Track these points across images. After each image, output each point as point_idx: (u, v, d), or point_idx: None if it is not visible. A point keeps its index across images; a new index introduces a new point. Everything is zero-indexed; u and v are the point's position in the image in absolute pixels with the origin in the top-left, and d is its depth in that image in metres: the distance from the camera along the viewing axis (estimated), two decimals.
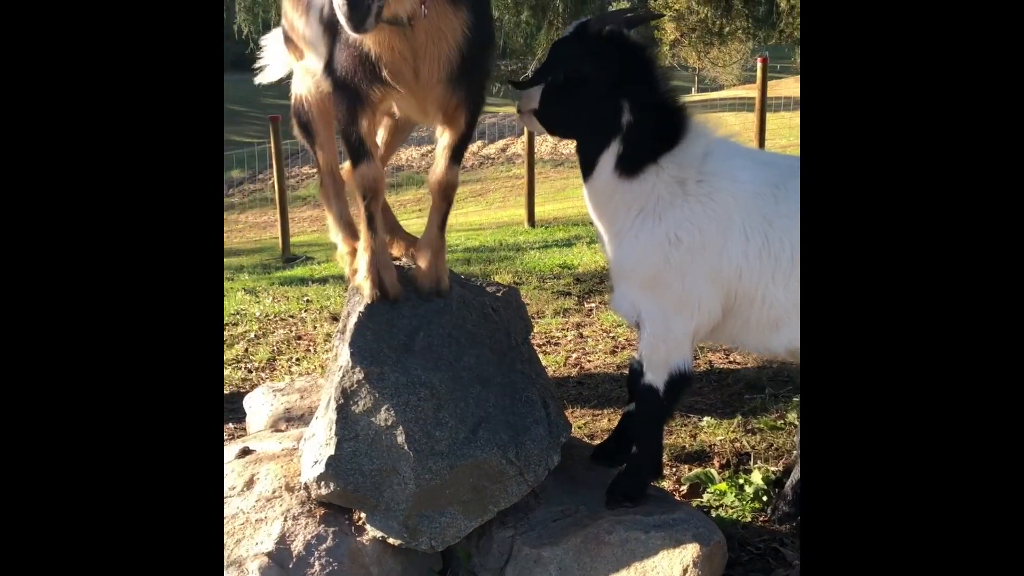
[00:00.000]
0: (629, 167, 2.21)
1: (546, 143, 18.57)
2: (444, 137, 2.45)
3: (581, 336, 4.45)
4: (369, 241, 2.45)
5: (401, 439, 2.24)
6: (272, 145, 9.12)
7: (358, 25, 2.00)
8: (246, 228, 14.76)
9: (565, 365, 4.04)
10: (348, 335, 2.35)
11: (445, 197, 2.48)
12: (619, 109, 2.19)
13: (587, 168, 2.29)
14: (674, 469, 2.89)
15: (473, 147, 18.77)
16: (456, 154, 2.44)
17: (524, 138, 9.37)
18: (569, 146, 18.28)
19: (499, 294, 2.65)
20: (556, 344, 4.37)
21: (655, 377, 2.28)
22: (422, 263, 2.50)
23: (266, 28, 8.98)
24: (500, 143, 19.97)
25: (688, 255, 2.18)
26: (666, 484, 2.76)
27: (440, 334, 2.40)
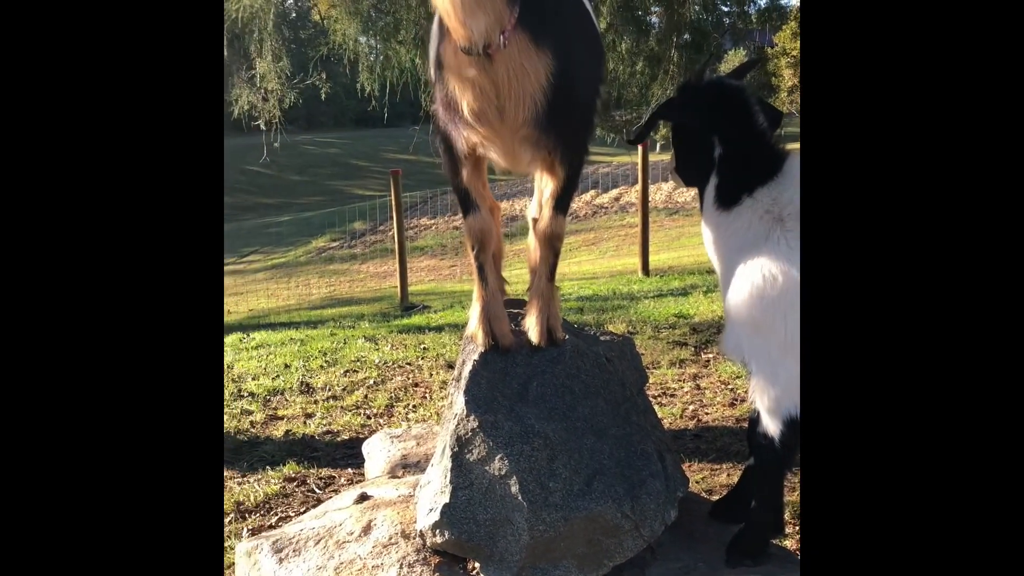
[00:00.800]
0: (725, 199, 2.26)
1: (660, 192, 18.46)
2: (547, 187, 2.42)
3: (698, 388, 4.35)
4: (480, 291, 2.47)
5: (515, 489, 2.23)
6: (392, 198, 9.42)
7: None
8: (367, 278, 15.25)
9: (682, 417, 3.95)
10: (463, 383, 2.38)
11: (551, 247, 2.45)
12: (711, 145, 2.28)
13: (700, 207, 2.37)
14: (797, 526, 2.76)
15: (586, 196, 18.85)
16: (559, 203, 2.40)
17: (638, 186, 9.34)
18: (684, 195, 18.11)
19: (613, 344, 2.63)
20: (672, 396, 4.28)
21: (769, 425, 2.20)
22: (532, 314, 2.49)
23: (385, 87, 9.36)
24: (613, 192, 19.98)
25: (785, 295, 2.10)
26: (788, 543, 2.63)
27: (554, 384, 2.39)
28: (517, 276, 6.54)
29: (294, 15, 9.37)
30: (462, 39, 2.15)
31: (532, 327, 2.48)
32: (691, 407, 4.07)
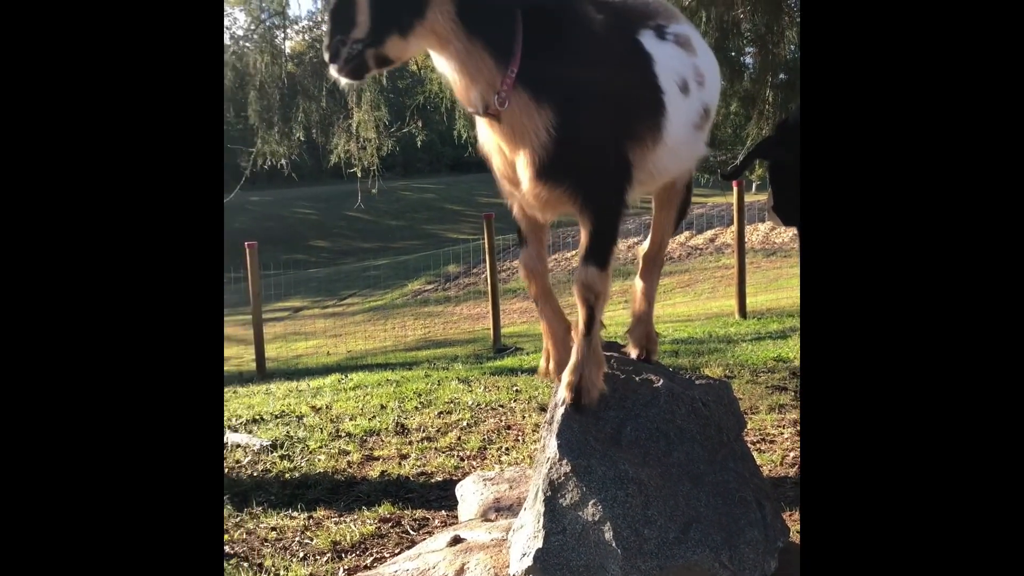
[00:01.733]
0: None
1: (757, 232, 18.10)
2: (582, 238, 2.36)
3: (799, 434, 4.20)
4: (544, 328, 2.46)
5: (609, 535, 2.19)
6: (486, 241, 9.55)
7: (339, 70, 2.03)
8: (460, 320, 15.44)
9: (782, 464, 3.82)
10: (555, 426, 2.37)
11: (583, 300, 2.35)
12: None
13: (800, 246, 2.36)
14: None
15: (680, 237, 18.67)
16: (590, 255, 2.31)
17: (734, 227, 9.19)
18: (782, 235, 17.70)
19: (710, 388, 2.58)
20: (771, 442, 4.14)
21: None
22: (567, 368, 2.41)
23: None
24: (708, 233, 19.72)
25: None
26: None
27: (648, 428, 2.36)
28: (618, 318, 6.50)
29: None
30: (464, 104, 2.21)
31: (563, 382, 2.41)
32: (791, 454, 3.93)
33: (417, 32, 2.07)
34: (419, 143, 11.39)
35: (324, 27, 2.03)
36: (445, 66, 2.20)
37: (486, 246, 9.65)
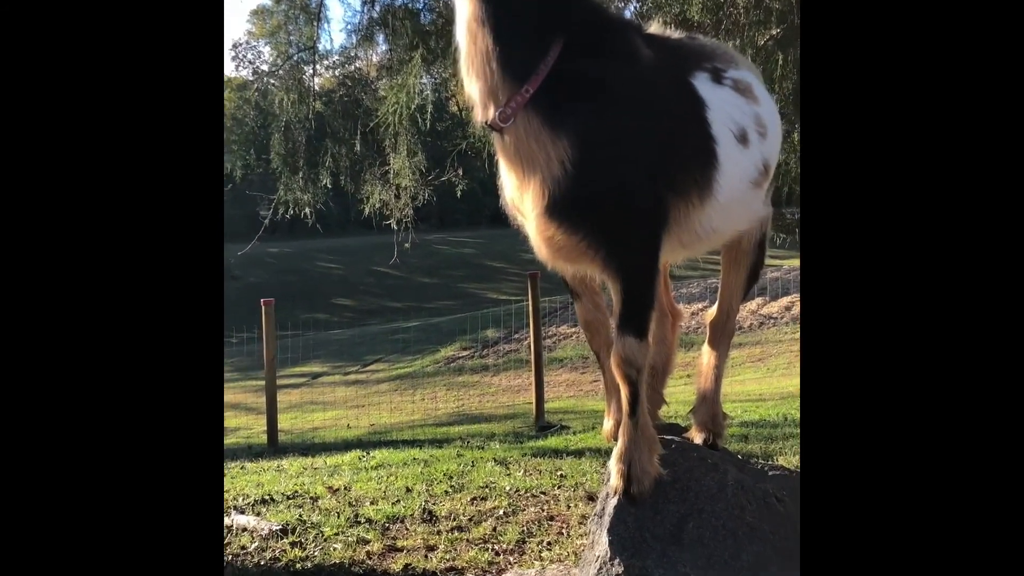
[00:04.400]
0: None
1: None
2: (614, 301, 2.34)
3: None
4: (607, 385, 2.49)
5: None
6: (530, 303, 9.59)
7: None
8: (499, 392, 15.42)
9: None
10: (607, 520, 2.34)
11: (623, 376, 2.34)
12: None
13: None
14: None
15: (751, 304, 18.53)
16: (626, 322, 2.30)
17: None
18: None
19: (785, 479, 2.54)
20: None
21: None
22: (615, 454, 2.41)
23: None
24: (784, 300, 19.54)
25: None
26: None
27: (713, 525, 2.32)
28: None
29: (431, 107, 9.89)
30: (466, 97, 2.28)
31: (611, 470, 2.41)
32: None
33: None
34: (459, 192, 11.53)
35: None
36: (457, 32, 2.26)
37: (530, 309, 9.69)
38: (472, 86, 2.23)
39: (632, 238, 2.28)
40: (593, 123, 2.22)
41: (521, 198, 2.31)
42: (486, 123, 2.25)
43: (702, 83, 2.47)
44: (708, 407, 2.71)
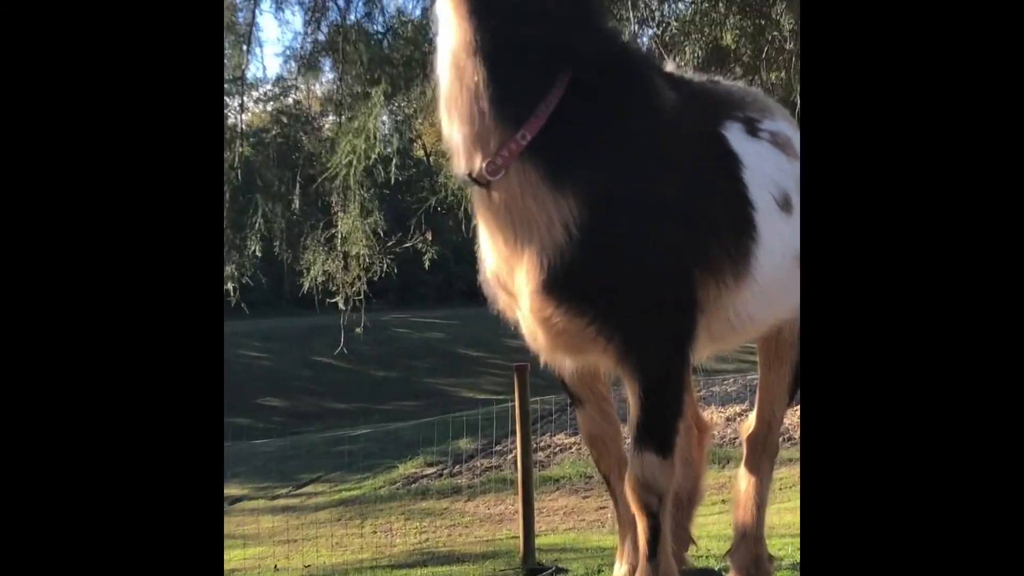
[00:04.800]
0: None
1: None
2: (630, 407, 2.35)
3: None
4: (619, 520, 2.51)
5: None
6: (516, 403, 9.51)
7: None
8: (475, 522, 15.26)
9: None
10: None
11: (640, 505, 2.33)
12: None
13: None
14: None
15: (792, 413, 18.55)
16: (645, 435, 2.31)
17: None
18: None
19: None
20: None
21: None
22: None
23: None
24: None
25: None
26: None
27: None
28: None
29: (389, 151, 9.79)
30: (445, 143, 2.32)
31: None
32: None
33: None
34: (427, 262, 11.27)
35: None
36: (440, 64, 2.27)
37: (516, 412, 9.62)
38: (454, 130, 2.26)
39: (656, 323, 2.28)
40: (606, 178, 2.24)
41: (510, 270, 2.32)
42: (469, 175, 2.28)
43: (735, 136, 2.49)
44: (749, 547, 2.67)
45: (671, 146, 2.38)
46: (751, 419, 2.81)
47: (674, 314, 2.32)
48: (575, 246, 2.19)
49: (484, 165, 2.21)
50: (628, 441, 2.39)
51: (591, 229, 2.19)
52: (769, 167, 2.49)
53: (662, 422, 2.29)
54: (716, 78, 3.07)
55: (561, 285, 2.23)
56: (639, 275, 2.26)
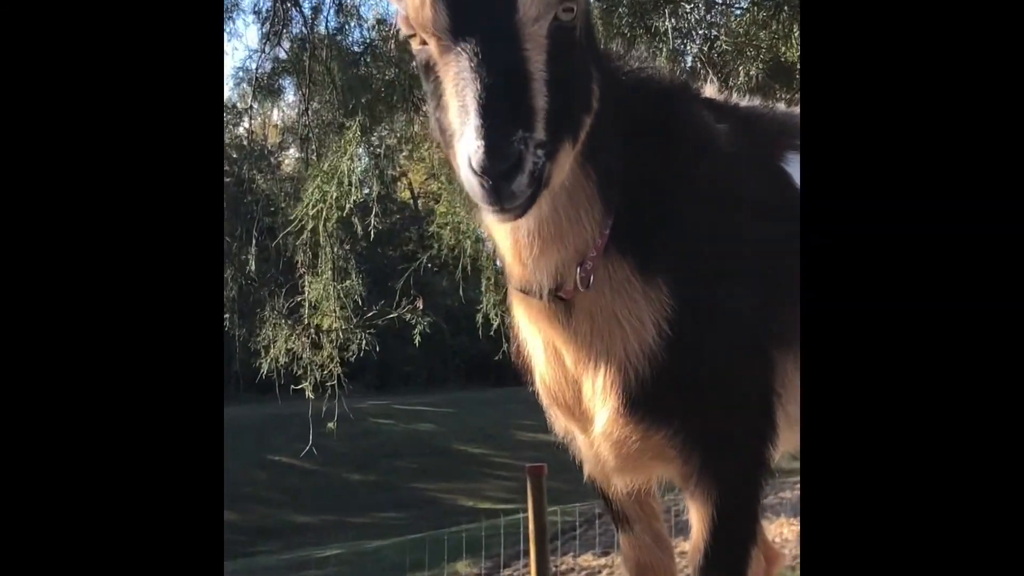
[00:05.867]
0: None
1: None
2: (692, 526, 2.36)
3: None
4: None
5: None
6: (530, 515, 9.50)
7: (515, 197, 1.94)
8: None
9: None
10: None
11: None
12: None
13: None
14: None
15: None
16: (714, 560, 2.30)
17: None
18: None
19: None
20: None
21: None
22: None
23: None
24: None
25: None
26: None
27: None
28: None
29: (368, 196, 9.52)
30: (518, 280, 2.26)
31: None
32: None
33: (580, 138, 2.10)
34: (416, 338, 10.90)
35: (485, 122, 1.93)
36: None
37: (531, 525, 9.60)
38: (546, 263, 2.19)
39: (738, 422, 2.31)
40: (689, 254, 2.25)
41: (576, 387, 2.31)
42: (551, 293, 2.22)
43: (797, 169, 2.52)
44: None
45: (738, 194, 2.41)
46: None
47: (758, 407, 2.35)
48: (665, 349, 2.19)
49: (579, 279, 2.17)
50: (689, 571, 2.38)
51: (680, 324, 2.20)
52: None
53: (735, 546, 2.31)
54: (774, 102, 3.09)
55: (649, 399, 2.23)
56: (725, 368, 2.28)
